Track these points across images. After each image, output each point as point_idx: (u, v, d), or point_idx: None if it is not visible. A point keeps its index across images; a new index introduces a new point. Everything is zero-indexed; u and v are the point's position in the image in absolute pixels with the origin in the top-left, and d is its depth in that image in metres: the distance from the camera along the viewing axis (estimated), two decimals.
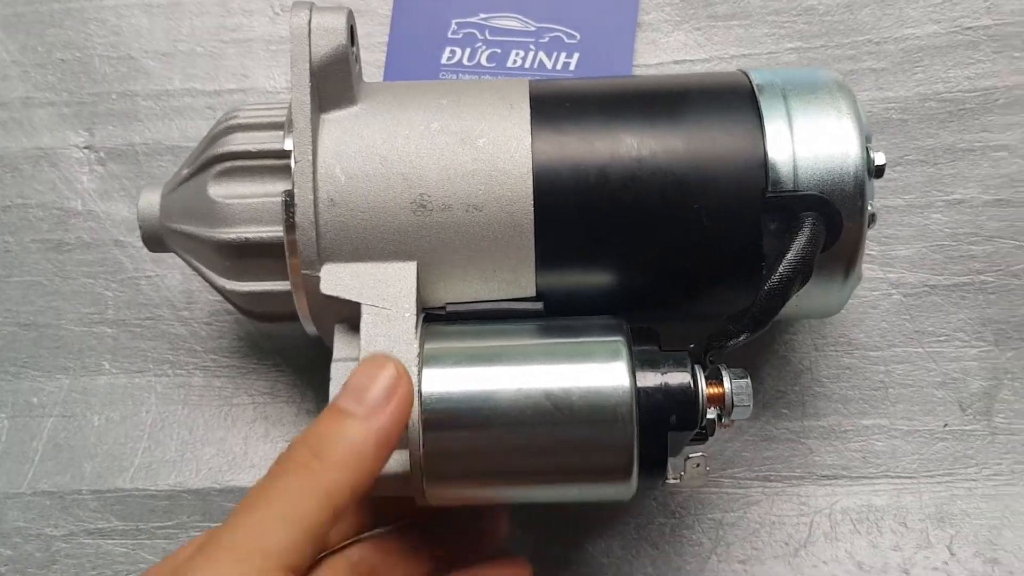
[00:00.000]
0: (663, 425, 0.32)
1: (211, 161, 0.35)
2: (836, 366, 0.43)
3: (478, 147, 0.34)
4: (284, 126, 0.34)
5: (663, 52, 0.46)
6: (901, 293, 0.43)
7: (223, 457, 0.43)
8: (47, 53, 0.48)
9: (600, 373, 0.32)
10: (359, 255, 0.34)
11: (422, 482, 0.32)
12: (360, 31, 0.46)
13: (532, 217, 0.33)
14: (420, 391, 0.32)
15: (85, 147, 0.47)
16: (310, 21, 0.33)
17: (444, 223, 0.33)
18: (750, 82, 0.35)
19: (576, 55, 0.45)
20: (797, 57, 0.45)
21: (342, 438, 0.29)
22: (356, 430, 0.29)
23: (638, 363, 0.33)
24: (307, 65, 0.33)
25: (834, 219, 0.33)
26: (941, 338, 0.43)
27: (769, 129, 0.34)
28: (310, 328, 0.36)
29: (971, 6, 0.45)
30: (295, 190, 0.33)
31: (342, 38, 0.33)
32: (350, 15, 0.34)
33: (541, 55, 0.45)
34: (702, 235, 0.34)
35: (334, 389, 0.33)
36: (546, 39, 0.45)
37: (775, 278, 0.33)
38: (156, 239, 0.37)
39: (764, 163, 0.33)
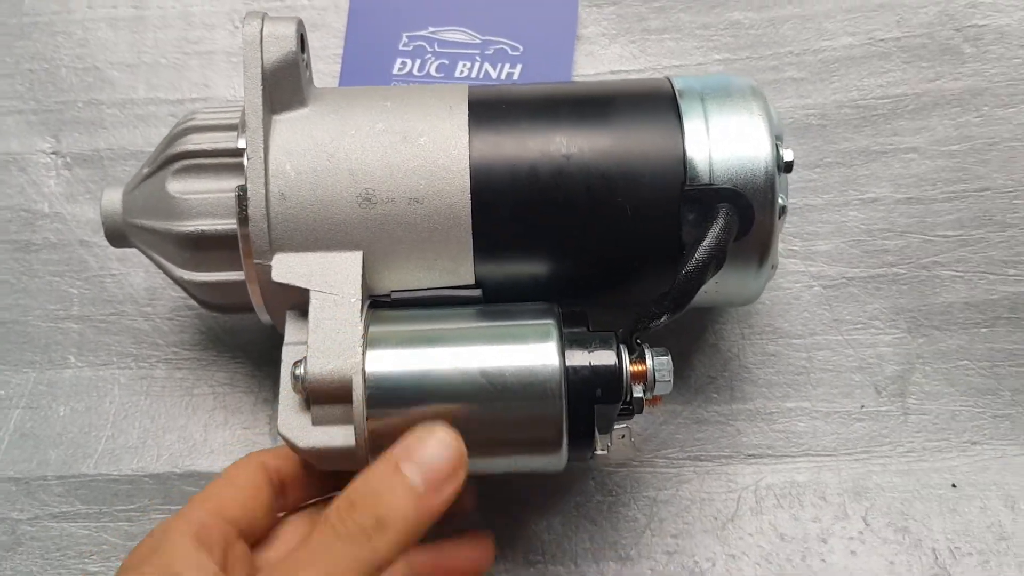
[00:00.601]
0: (590, 400, 0.35)
1: (169, 160, 0.37)
2: (762, 353, 0.46)
3: (419, 145, 0.36)
4: (238, 127, 0.37)
5: (600, 63, 0.49)
6: (821, 285, 0.47)
7: (183, 443, 0.45)
8: (15, 64, 0.50)
9: (532, 353, 0.35)
10: (308, 245, 0.36)
11: (367, 456, 0.35)
12: (316, 43, 0.49)
13: (469, 210, 0.36)
14: (364, 371, 0.34)
15: (52, 152, 0.49)
16: (262, 29, 0.36)
17: (388, 215, 0.36)
18: (672, 87, 0.39)
19: (519, 66, 0.48)
20: (725, 67, 0.49)
21: (405, 515, 0.30)
22: (420, 510, 0.30)
23: (567, 343, 0.35)
24: (259, 70, 0.36)
25: (747, 210, 0.36)
26: (858, 326, 0.46)
27: (688, 128, 0.37)
28: (264, 316, 0.38)
29: (883, 20, 0.49)
30: (248, 185, 0.35)
31: (292, 45, 0.36)
32: (300, 24, 0.37)
33: (487, 66, 0.48)
34: (626, 226, 0.37)
35: (284, 372, 0.35)
36: (491, 51, 0.48)
37: (691, 263, 0.35)
38: (119, 235, 0.40)
39: (683, 159, 0.36)
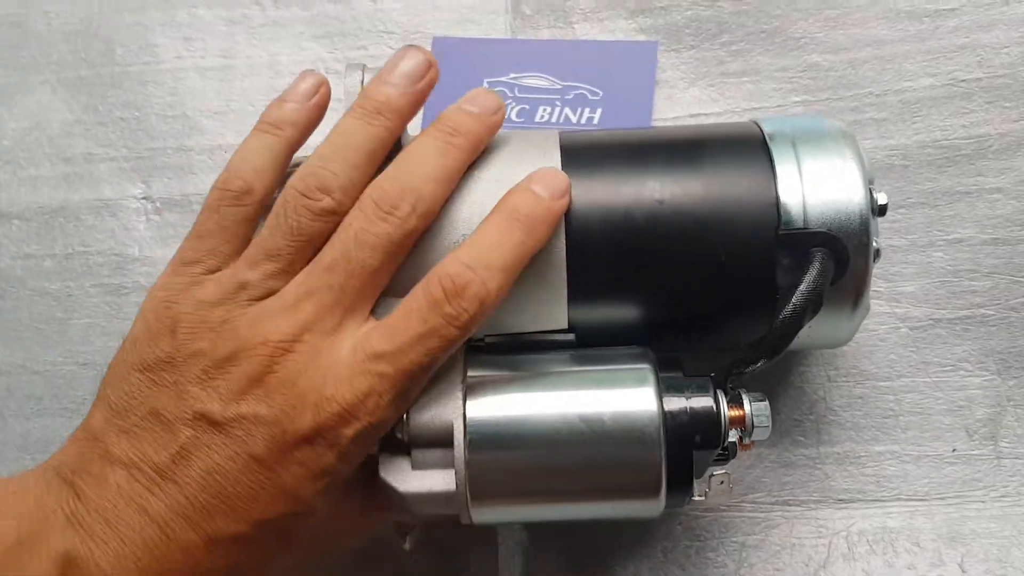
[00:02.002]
0: (688, 445, 0.35)
1: None
2: (848, 396, 0.46)
3: None
4: None
5: (679, 107, 0.49)
6: (908, 326, 0.46)
7: None
8: (108, 112, 0.52)
9: (630, 398, 0.35)
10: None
11: (467, 502, 0.35)
12: None
13: (564, 254, 0.36)
14: (465, 415, 0.35)
15: (143, 198, 0.50)
16: (363, 81, 0.37)
17: None
18: (761, 131, 0.39)
19: (599, 110, 0.49)
20: (804, 109, 0.49)
21: (546, 213, 0.35)
22: (554, 210, 0.35)
23: (664, 388, 0.35)
24: None
25: (842, 254, 0.36)
26: (946, 368, 0.46)
27: (780, 172, 0.37)
28: None
29: (964, 60, 0.48)
30: None
31: None
32: None
33: (567, 111, 0.49)
34: (721, 270, 0.37)
35: None
36: (571, 96, 0.49)
37: (789, 308, 0.35)
38: None
39: (776, 203, 0.37)
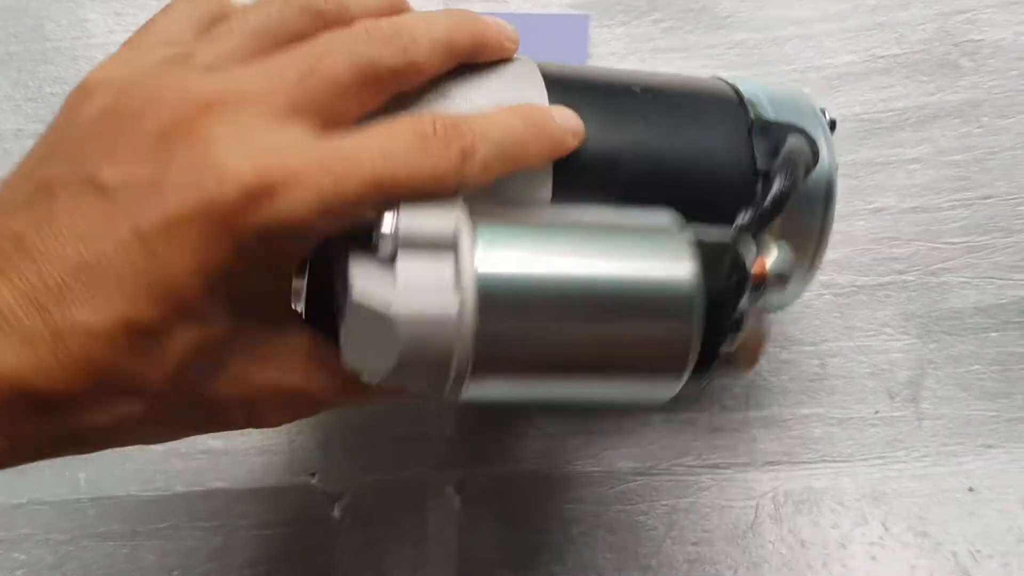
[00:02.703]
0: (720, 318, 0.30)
1: None
2: (776, 360, 0.47)
3: None
4: None
5: None
6: (832, 293, 0.47)
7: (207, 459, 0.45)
8: (38, 88, 0.51)
9: (667, 262, 0.29)
10: None
11: (467, 372, 0.28)
12: None
13: None
14: (475, 228, 0.28)
15: None
16: None
17: None
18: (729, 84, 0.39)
19: None
20: None
21: (555, 138, 0.31)
22: (564, 141, 0.31)
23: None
24: None
25: (813, 146, 0.35)
26: (869, 332, 0.47)
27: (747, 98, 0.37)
28: None
29: (882, 37, 0.50)
30: None
31: None
32: None
33: None
34: (705, 153, 0.35)
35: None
36: None
37: (779, 182, 0.34)
38: None
39: (743, 103, 0.37)
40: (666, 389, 0.30)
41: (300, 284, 0.28)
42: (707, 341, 0.29)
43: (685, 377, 0.30)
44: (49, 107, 0.51)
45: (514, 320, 0.27)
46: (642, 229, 0.30)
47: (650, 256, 0.29)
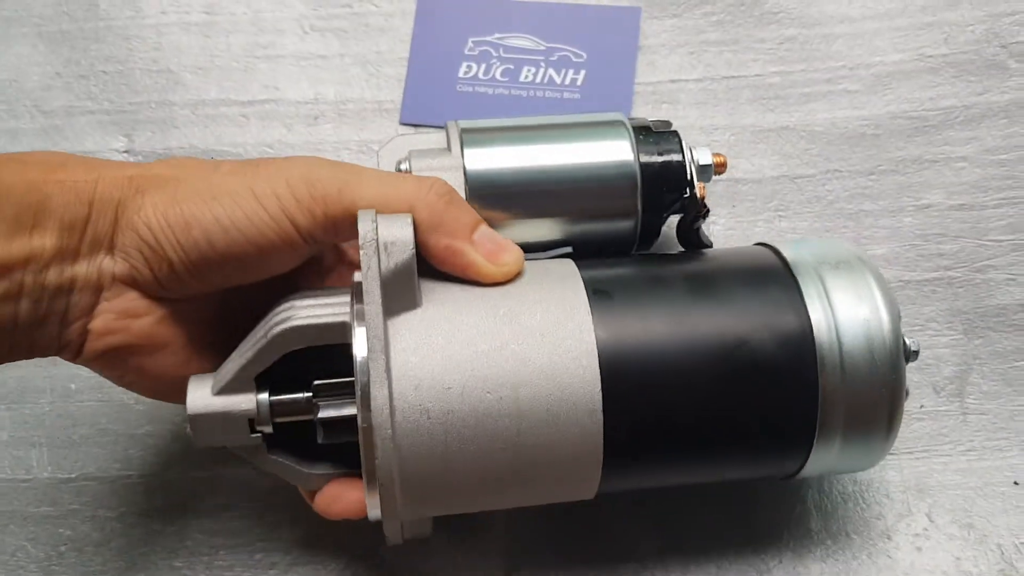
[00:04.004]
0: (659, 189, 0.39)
1: None
2: None
3: None
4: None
5: (661, 72, 0.50)
6: None
7: None
8: (90, 66, 0.51)
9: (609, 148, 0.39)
10: None
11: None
12: (382, 47, 0.51)
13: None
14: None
15: (125, 151, 0.50)
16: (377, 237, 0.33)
17: None
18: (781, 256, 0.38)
19: (583, 72, 0.50)
20: (781, 79, 0.50)
21: (454, 225, 0.35)
22: (463, 242, 0.35)
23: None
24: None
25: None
26: (916, 328, 0.47)
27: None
28: None
29: (931, 37, 0.50)
30: None
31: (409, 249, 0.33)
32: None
33: (551, 71, 0.50)
34: None
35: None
36: (555, 57, 0.50)
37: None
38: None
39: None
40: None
41: None
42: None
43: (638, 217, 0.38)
44: (101, 85, 0.51)
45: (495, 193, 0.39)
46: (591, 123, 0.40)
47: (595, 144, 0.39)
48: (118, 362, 0.35)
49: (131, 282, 0.34)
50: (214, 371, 0.35)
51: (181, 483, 0.45)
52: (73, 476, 0.45)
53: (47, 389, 0.47)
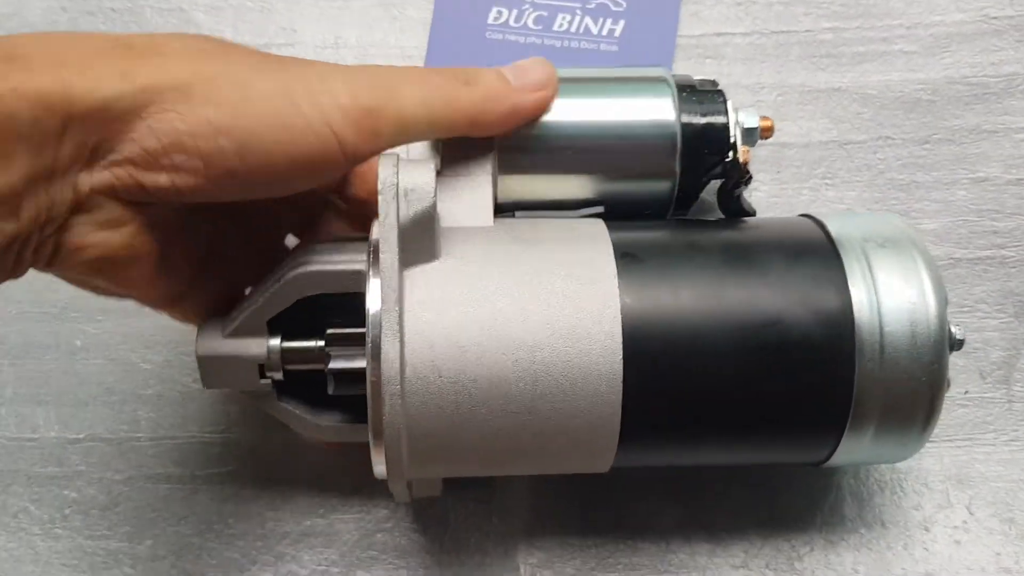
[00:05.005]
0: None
1: None
2: None
3: None
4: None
5: (705, 24, 0.47)
6: None
7: None
8: (97, 2, 0.48)
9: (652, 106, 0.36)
10: None
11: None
12: None
13: None
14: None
15: None
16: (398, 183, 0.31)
17: None
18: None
19: (621, 22, 0.46)
20: (833, 36, 0.47)
21: (494, 91, 0.33)
22: (507, 92, 0.33)
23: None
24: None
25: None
26: (964, 308, 0.45)
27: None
28: None
29: None
30: None
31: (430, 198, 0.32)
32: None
33: (587, 20, 0.46)
34: None
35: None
36: (593, 5, 0.46)
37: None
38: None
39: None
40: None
41: None
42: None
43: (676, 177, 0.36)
44: (109, 23, 0.48)
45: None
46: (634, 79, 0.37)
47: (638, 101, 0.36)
48: (97, 274, 0.31)
49: (111, 193, 0.29)
50: (191, 283, 0.34)
51: (191, 447, 0.43)
52: (81, 436, 0.44)
53: (52, 345, 0.45)
